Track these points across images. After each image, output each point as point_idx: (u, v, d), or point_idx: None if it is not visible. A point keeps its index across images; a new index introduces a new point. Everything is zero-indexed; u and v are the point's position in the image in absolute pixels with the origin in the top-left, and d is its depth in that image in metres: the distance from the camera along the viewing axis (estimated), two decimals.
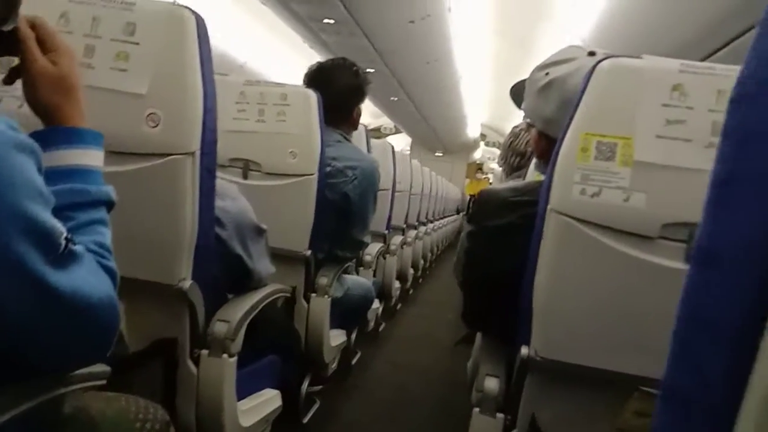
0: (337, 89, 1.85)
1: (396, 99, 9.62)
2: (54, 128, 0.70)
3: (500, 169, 2.15)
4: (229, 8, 5.89)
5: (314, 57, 6.77)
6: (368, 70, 7.03)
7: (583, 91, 0.94)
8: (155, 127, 0.98)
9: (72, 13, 0.99)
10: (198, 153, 1.01)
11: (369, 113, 13.94)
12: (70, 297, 0.57)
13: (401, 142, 16.91)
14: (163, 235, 1.03)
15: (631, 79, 0.92)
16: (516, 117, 1.36)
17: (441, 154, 16.50)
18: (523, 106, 1.19)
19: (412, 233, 4.14)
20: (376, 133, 16.11)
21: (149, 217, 1.02)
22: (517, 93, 1.25)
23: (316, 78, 1.87)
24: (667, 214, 0.90)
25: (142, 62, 0.98)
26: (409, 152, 16.06)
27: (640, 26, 4.04)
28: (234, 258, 1.19)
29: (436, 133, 13.75)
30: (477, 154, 17.28)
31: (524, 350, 0.99)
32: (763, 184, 0.23)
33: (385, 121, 15.35)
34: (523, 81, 1.21)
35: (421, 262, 4.77)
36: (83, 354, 0.65)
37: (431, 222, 5.52)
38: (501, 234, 1.10)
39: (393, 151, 3.20)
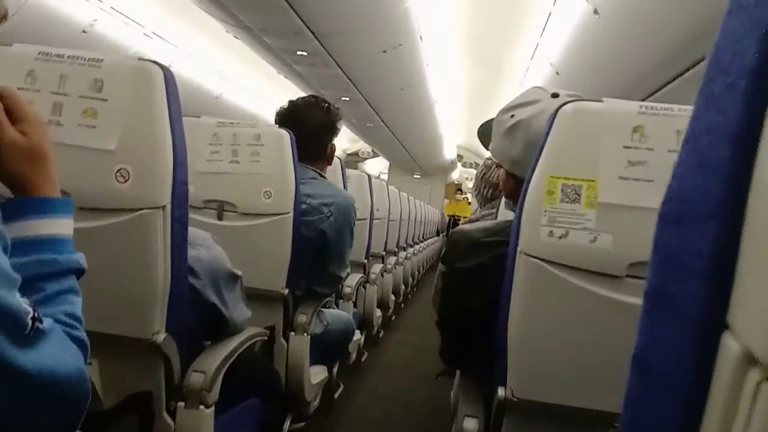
0: (309, 128, 1.86)
1: (372, 125, 9.69)
2: (24, 199, 0.69)
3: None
4: (204, 42, 5.92)
5: (289, 86, 6.81)
6: (343, 98, 7.10)
7: (546, 135, 0.96)
8: (125, 182, 0.98)
9: (39, 71, 0.98)
10: (169, 206, 1.01)
11: (347, 138, 14.03)
12: (38, 376, 0.56)
13: (379, 165, 17.06)
14: (136, 289, 1.02)
15: (593, 123, 0.94)
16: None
17: (419, 177, 16.60)
18: (490, 147, 1.21)
19: (392, 260, 4.13)
20: (354, 157, 16.23)
21: (121, 272, 1.02)
22: (485, 134, 1.27)
23: (287, 117, 1.88)
24: (634, 253, 0.92)
25: (111, 118, 0.97)
26: (387, 175, 16.18)
27: (606, 51, 4.14)
28: (209, 307, 1.18)
29: (413, 156, 13.84)
30: (455, 175, 17.43)
31: (501, 391, 0.99)
32: (687, 308, 0.23)
33: (362, 146, 15.46)
34: (490, 121, 1.23)
35: (402, 287, 4.76)
36: (54, 429, 0.64)
37: (411, 246, 5.52)
38: (473, 275, 1.11)
39: (369, 180, 3.21)
